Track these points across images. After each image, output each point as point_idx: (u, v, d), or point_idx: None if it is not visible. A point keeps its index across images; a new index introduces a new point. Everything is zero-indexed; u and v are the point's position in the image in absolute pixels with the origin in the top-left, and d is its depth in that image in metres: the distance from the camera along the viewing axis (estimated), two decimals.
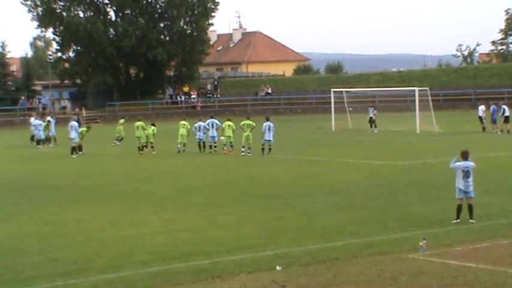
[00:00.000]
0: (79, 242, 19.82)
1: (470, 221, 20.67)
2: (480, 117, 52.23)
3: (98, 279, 15.95)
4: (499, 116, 50.49)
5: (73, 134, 44.44)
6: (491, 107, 51.35)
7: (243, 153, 40.78)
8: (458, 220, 20.69)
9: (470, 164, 21.17)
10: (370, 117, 55.45)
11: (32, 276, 16.41)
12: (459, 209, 20.86)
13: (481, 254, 17.06)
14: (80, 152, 44.26)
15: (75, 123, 45.56)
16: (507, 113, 50.45)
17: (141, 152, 43.60)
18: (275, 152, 40.86)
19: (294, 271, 16.09)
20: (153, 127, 44.02)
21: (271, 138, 40.82)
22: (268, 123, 40.99)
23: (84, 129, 45.63)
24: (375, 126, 55.06)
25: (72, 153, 43.70)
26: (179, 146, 43.65)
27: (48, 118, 53.29)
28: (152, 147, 43.74)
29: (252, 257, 17.45)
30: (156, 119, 62.39)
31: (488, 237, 18.85)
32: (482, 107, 52.58)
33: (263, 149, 40.90)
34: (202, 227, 21.21)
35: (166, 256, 17.78)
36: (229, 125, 41.95)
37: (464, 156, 21.27)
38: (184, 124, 43.81)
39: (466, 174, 21.04)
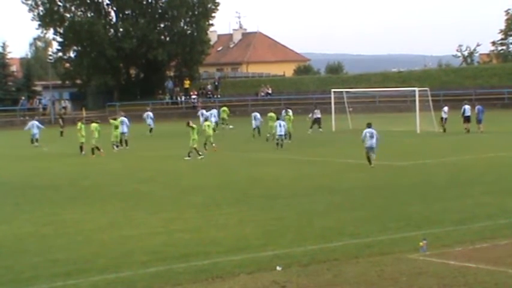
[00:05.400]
0: (79, 242, 19.81)
1: (371, 165, 32.98)
2: (467, 117, 52.51)
3: (97, 280, 15.95)
4: (460, 116, 52.47)
5: (125, 129, 47.23)
6: (476, 107, 52.49)
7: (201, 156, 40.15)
8: (371, 164, 33.34)
9: (373, 130, 33.70)
10: (317, 118, 56.88)
11: (32, 276, 16.40)
12: (368, 157, 33.60)
13: (481, 255, 17.04)
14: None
15: (125, 119, 47.96)
16: (468, 113, 52.26)
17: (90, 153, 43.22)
18: (275, 152, 40.90)
19: (294, 271, 16.09)
20: (95, 124, 44.41)
21: (283, 133, 44.60)
22: (278, 121, 45.30)
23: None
24: (320, 127, 56.53)
25: (117, 147, 46.27)
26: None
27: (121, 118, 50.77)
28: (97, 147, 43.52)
29: (252, 257, 17.44)
30: (156, 119, 62.63)
31: (488, 238, 18.82)
32: (468, 107, 52.93)
33: (278, 144, 43.98)
34: (202, 227, 21.20)
35: (166, 256, 17.77)
36: (208, 125, 44.41)
37: (368, 125, 34.02)
38: (116, 125, 46.50)
39: (371, 135, 33.55)
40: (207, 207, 24.63)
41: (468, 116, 52.25)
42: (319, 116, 57.19)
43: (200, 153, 39.69)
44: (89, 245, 19.44)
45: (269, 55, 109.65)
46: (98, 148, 43.17)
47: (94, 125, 44.17)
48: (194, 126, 40.43)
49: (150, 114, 61.36)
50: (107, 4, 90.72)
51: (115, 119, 47.89)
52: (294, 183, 29.73)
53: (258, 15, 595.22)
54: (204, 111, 62.22)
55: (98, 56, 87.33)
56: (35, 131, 52.72)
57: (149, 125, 59.90)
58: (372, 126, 33.79)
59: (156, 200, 26.74)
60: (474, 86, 78.20)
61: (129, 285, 15.60)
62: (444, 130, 52.52)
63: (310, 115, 57.96)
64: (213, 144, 43.42)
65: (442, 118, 53.04)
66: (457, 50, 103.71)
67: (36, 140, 52.40)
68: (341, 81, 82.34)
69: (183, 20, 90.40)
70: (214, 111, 59.96)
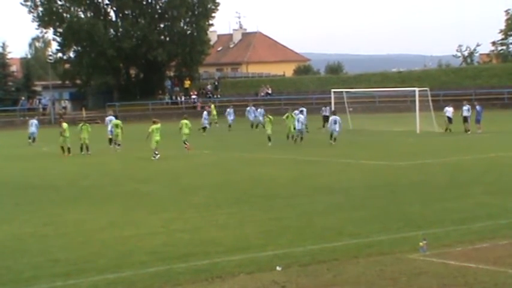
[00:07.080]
0: (79, 242, 19.80)
1: (332, 142, 43.02)
2: (465, 117, 52.47)
3: (97, 280, 15.94)
4: (460, 116, 52.57)
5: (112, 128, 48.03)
6: (477, 107, 52.46)
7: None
8: (333, 142, 43.40)
9: (337, 117, 43.62)
10: (325, 116, 57.83)
11: (32, 276, 16.39)
12: (331, 136, 44.26)
13: (481, 254, 17.03)
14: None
15: (113, 118, 49.22)
16: (465, 113, 52.37)
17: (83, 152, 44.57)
18: (275, 152, 40.94)
19: (293, 271, 16.08)
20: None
21: (301, 128, 47.35)
22: (299, 115, 47.75)
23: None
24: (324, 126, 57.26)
25: (110, 144, 47.51)
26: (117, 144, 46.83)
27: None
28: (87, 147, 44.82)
29: (252, 257, 17.44)
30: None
31: (488, 238, 18.81)
32: (467, 107, 52.89)
33: (296, 139, 46.79)
34: (202, 227, 21.20)
35: (166, 256, 17.76)
36: (186, 124, 45.52)
37: (333, 113, 44.96)
38: (117, 123, 47.58)
39: (335, 122, 43.45)
40: (207, 207, 24.63)
41: (466, 116, 52.28)
42: (327, 114, 57.30)
43: (156, 152, 40.28)
44: (89, 245, 19.44)
45: (269, 55, 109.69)
46: (68, 149, 44.11)
47: (65, 124, 44.83)
48: (158, 126, 41.10)
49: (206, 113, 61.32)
50: (107, 4, 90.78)
51: (116, 117, 48.19)
52: (294, 183, 29.73)
53: (258, 15, 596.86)
54: (230, 109, 63.16)
55: (98, 56, 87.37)
56: (34, 129, 52.98)
57: (204, 124, 59.59)
58: (337, 114, 45.86)
59: (156, 200, 26.74)
60: (474, 86, 78.19)
61: (129, 285, 15.59)
62: (450, 130, 52.25)
63: (321, 111, 59.16)
64: (186, 143, 44.66)
65: (448, 118, 52.81)
66: (457, 50, 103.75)
67: (34, 139, 52.58)
68: (341, 81, 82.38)
69: (183, 20, 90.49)
70: (261, 111, 61.05)
